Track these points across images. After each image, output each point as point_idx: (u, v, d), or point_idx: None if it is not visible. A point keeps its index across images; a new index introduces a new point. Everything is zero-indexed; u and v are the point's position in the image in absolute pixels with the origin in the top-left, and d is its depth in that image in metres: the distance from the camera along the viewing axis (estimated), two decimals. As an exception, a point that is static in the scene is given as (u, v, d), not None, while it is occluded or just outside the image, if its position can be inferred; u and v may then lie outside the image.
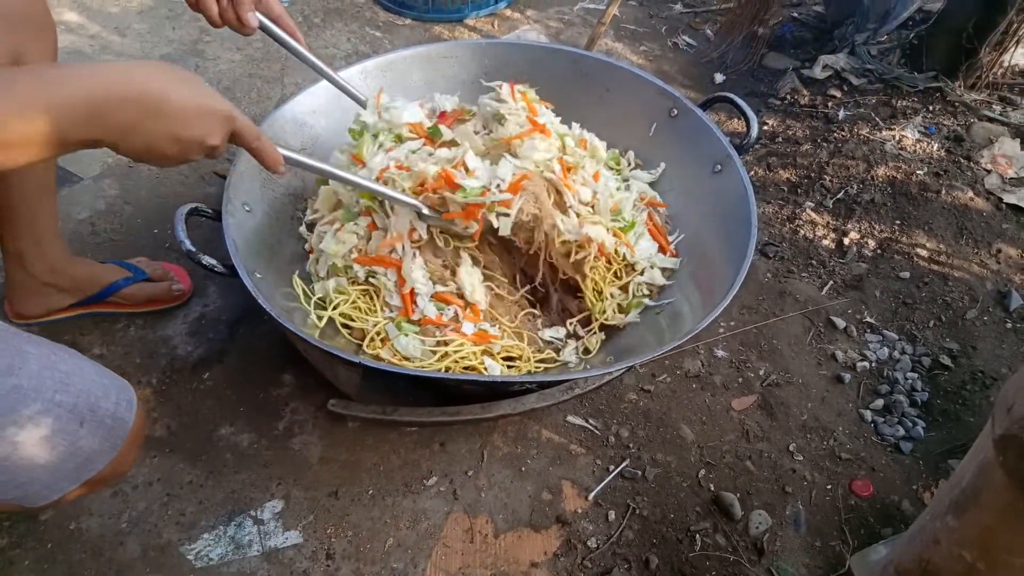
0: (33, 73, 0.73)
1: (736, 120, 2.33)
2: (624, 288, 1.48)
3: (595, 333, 1.44)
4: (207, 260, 1.16)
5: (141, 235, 1.79)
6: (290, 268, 1.42)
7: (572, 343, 1.43)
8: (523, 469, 1.43)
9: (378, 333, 1.33)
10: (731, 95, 1.53)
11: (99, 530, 1.29)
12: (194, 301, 1.66)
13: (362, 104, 1.45)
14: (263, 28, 1.21)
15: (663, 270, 1.50)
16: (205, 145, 0.84)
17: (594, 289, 1.45)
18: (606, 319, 1.43)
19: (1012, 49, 2.20)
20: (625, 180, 1.62)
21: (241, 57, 2.39)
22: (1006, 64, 2.26)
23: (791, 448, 1.50)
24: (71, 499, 0.89)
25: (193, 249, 1.13)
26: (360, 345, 1.34)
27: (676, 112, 1.57)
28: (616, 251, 1.45)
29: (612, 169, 1.62)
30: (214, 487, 1.37)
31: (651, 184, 1.62)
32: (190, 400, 1.49)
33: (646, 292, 1.48)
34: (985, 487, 0.64)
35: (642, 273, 1.49)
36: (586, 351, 1.42)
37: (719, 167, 1.47)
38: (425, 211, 1.30)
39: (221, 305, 1.66)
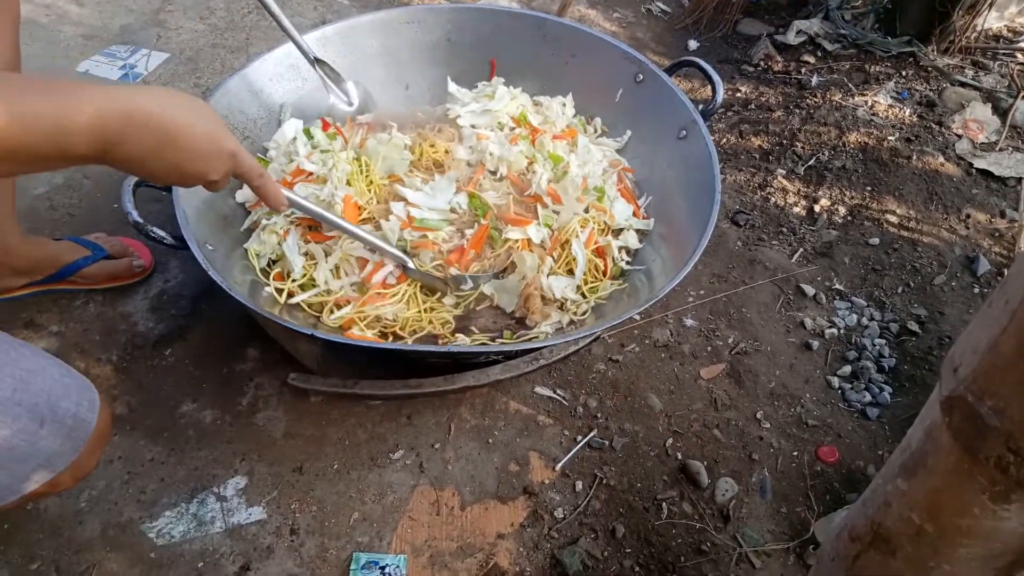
0: (61, 88, 0.69)
1: (707, 87, 2.30)
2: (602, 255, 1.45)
3: (587, 313, 1.38)
4: (156, 232, 1.13)
5: (101, 210, 1.75)
6: (245, 239, 1.38)
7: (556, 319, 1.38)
8: (490, 441, 1.42)
9: (336, 304, 1.31)
10: (697, 60, 1.50)
11: (57, 510, 1.26)
12: (155, 276, 1.63)
13: (308, 59, 1.48)
14: None
15: (636, 231, 1.48)
16: (205, 179, 0.85)
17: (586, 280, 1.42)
18: (599, 299, 1.39)
19: (985, 12, 2.19)
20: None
21: (204, 27, 2.33)
22: (979, 28, 2.25)
23: (758, 416, 1.50)
24: (31, 499, 0.87)
25: (140, 220, 1.10)
26: (319, 317, 1.31)
27: (642, 77, 1.55)
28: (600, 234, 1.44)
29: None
30: (176, 464, 1.35)
31: (618, 151, 1.60)
32: (151, 377, 1.47)
33: (626, 258, 1.46)
34: (933, 450, 0.64)
35: (618, 236, 1.47)
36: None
37: (684, 132, 1.45)
38: (411, 265, 1.32)
39: (183, 280, 1.63)
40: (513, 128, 1.55)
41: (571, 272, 1.39)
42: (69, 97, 0.67)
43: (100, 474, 1.32)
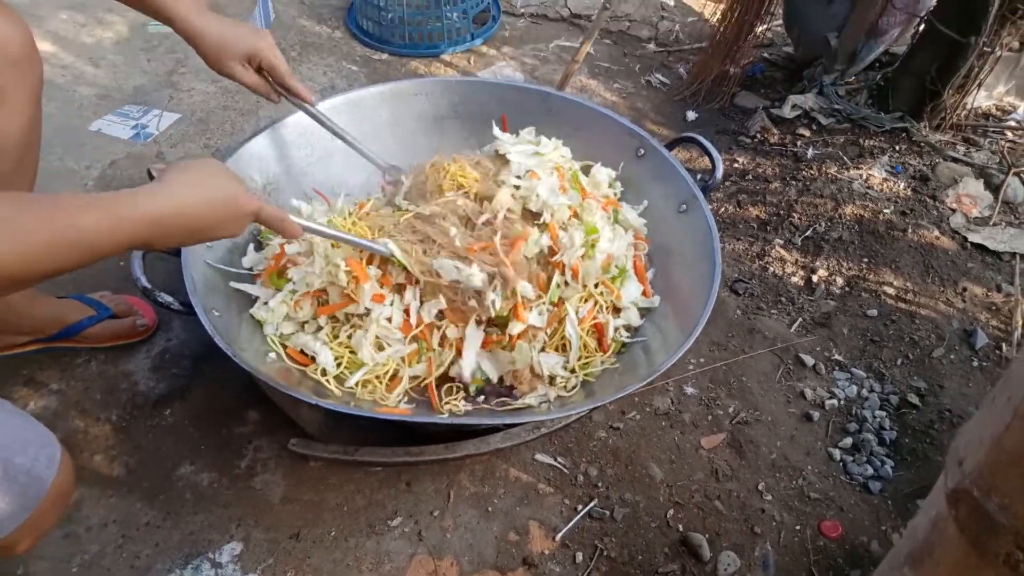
0: (84, 211, 0.75)
1: (706, 158, 2.35)
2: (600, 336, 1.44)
3: (576, 387, 1.37)
4: (164, 298, 1.14)
5: (105, 267, 1.76)
6: (252, 303, 1.39)
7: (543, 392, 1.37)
8: (490, 509, 1.41)
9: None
10: (697, 136, 1.54)
11: (49, 575, 1.24)
12: (158, 335, 1.64)
13: (381, 168, 1.54)
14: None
15: (640, 310, 1.49)
16: (233, 237, 0.95)
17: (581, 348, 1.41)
18: (589, 375, 1.39)
19: (974, 92, 2.26)
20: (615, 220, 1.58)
21: (216, 89, 2.39)
22: (968, 106, 2.32)
23: (760, 487, 1.49)
24: None
25: (149, 286, 1.12)
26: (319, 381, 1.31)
27: (643, 152, 1.59)
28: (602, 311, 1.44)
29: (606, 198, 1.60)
30: (171, 528, 1.33)
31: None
32: (150, 437, 1.46)
33: (625, 334, 1.46)
34: (939, 541, 0.64)
35: (618, 314, 1.47)
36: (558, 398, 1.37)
37: (684, 207, 1.48)
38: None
39: (185, 339, 1.63)
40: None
41: (564, 348, 1.39)
42: (98, 224, 0.75)
43: (93, 538, 1.30)
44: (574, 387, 1.35)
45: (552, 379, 1.36)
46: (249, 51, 1.27)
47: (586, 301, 1.41)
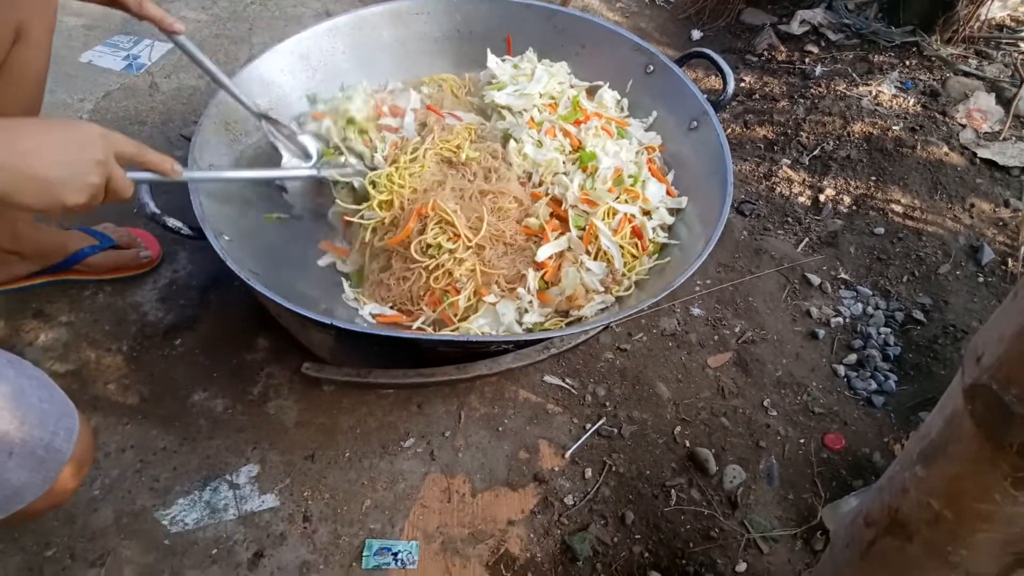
0: None
1: (714, 77, 2.30)
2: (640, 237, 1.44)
3: (630, 288, 1.39)
4: (173, 223, 1.13)
5: (108, 200, 1.75)
6: (261, 229, 1.38)
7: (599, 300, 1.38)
8: (500, 429, 1.43)
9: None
10: (708, 51, 1.50)
11: (72, 497, 1.27)
12: (164, 267, 1.63)
13: (254, 114, 1.41)
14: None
15: (669, 210, 1.48)
16: (88, 191, 0.84)
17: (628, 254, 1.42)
18: (639, 275, 1.40)
19: (989, 2, 2.19)
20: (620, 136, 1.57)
21: (207, 17, 2.32)
22: (983, 17, 2.25)
23: (765, 404, 1.51)
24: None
25: (158, 212, 1.10)
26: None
27: (652, 68, 1.55)
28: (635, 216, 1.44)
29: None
30: (188, 453, 1.35)
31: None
32: (162, 367, 1.47)
33: (662, 235, 1.46)
34: (953, 437, 0.65)
35: (651, 217, 1.46)
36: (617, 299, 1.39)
37: (695, 123, 1.45)
38: (323, 174, 1.35)
39: (192, 270, 1.63)
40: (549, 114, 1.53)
41: (610, 262, 1.38)
42: None
43: (113, 463, 1.33)
44: (628, 288, 1.36)
45: (606, 288, 1.37)
46: None
47: (613, 215, 1.40)
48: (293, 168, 1.41)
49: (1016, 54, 2.26)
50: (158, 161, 0.99)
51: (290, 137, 1.44)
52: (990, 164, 1.98)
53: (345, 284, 1.39)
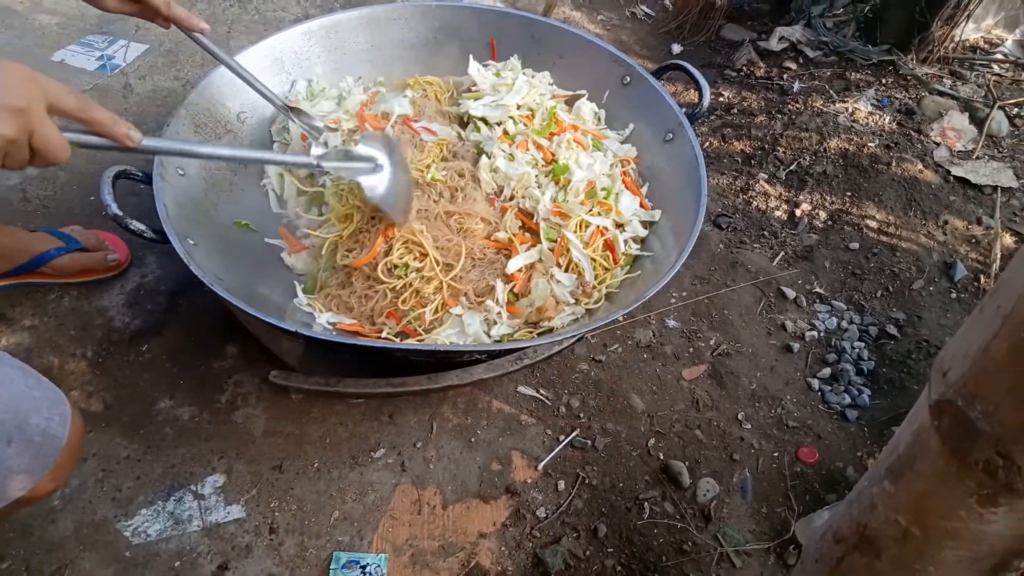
0: None
1: (692, 91, 2.31)
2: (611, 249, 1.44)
3: (600, 300, 1.39)
4: (135, 225, 1.10)
5: (76, 203, 1.71)
6: (227, 232, 1.36)
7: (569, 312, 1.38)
8: (472, 440, 1.42)
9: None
10: (684, 63, 1.51)
11: (28, 508, 1.24)
12: (132, 271, 1.60)
13: (280, 108, 1.43)
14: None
15: (643, 223, 1.48)
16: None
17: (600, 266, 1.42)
18: (610, 287, 1.39)
19: (963, 24, 2.22)
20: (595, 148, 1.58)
21: (184, 18, 2.29)
22: (957, 38, 2.29)
23: (740, 417, 1.51)
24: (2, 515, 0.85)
25: (120, 213, 1.08)
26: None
27: (629, 80, 1.55)
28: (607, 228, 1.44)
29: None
30: (152, 462, 1.32)
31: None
32: (127, 373, 1.44)
33: (635, 247, 1.45)
34: (920, 452, 0.64)
35: (622, 228, 1.46)
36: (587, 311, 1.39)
37: (671, 135, 1.45)
38: (324, 164, 1.26)
39: (161, 275, 1.60)
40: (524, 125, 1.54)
41: (581, 275, 1.38)
42: None
43: (74, 472, 1.29)
44: (598, 301, 1.36)
45: (576, 300, 1.36)
46: None
47: (585, 227, 1.40)
48: (292, 156, 1.33)
49: (989, 75, 2.29)
50: (107, 121, 0.81)
51: (316, 129, 1.46)
52: (963, 182, 2.01)
53: (298, 287, 1.37)
